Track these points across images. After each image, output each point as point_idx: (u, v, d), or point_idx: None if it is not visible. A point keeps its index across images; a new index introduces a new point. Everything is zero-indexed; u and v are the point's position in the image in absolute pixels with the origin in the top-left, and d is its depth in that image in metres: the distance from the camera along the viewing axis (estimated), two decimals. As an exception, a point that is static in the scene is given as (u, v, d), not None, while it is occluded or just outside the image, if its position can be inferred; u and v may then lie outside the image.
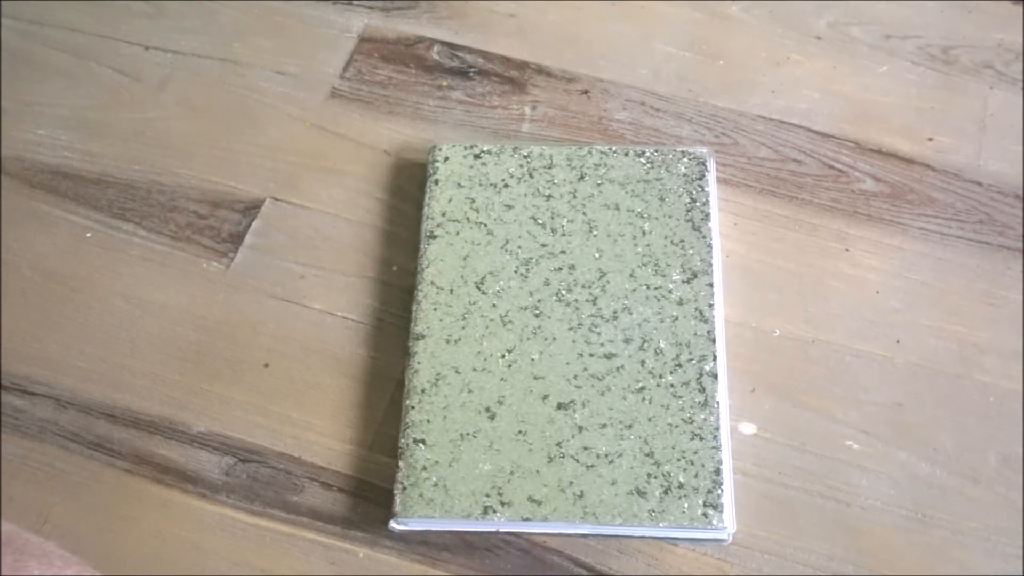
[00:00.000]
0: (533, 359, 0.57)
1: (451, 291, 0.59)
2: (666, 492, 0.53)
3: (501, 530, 0.53)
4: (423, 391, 0.56)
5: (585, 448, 0.54)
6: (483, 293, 0.59)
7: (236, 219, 0.65)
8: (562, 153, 0.64)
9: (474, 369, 0.57)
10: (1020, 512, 0.55)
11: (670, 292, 0.59)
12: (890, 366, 0.59)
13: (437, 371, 0.57)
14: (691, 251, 0.60)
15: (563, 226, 0.61)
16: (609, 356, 0.57)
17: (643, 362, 0.56)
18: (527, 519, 0.52)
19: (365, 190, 0.66)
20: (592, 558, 0.53)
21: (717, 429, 0.54)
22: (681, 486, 0.53)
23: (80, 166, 0.67)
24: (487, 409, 0.55)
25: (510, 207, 0.62)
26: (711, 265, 0.60)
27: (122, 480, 0.56)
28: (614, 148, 0.64)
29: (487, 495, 0.53)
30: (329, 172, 0.66)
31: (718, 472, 0.53)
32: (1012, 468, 0.56)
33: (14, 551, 0.42)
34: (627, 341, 0.57)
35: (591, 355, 0.57)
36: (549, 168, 0.63)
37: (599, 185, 0.63)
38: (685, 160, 0.64)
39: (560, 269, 0.60)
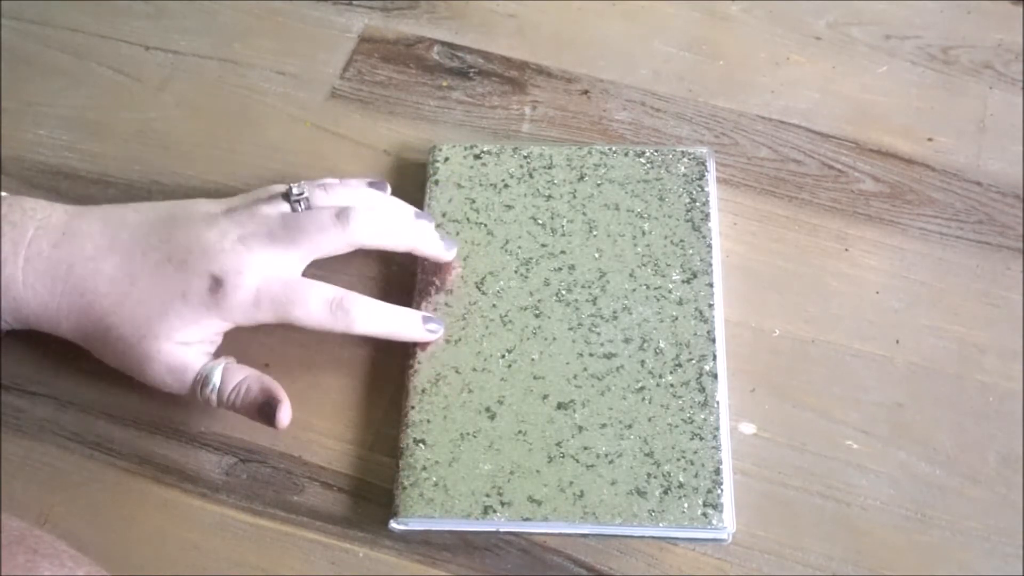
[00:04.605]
0: (533, 359, 0.57)
1: (451, 291, 0.59)
2: (666, 492, 0.53)
3: (501, 530, 0.53)
4: (423, 391, 0.56)
5: (585, 448, 0.54)
6: (483, 293, 0.59)
7: (236, 219, 0.64)
8: (562, 153, 0.64)
9: (474, 369, 0.57)
10: (1020, 512, 0.55)
11: (670, 292, 0.59)
12: (890, 366, 0.59)
13: (437, 371, 0.57)
14: (691, 251, 0.60)
15: (563, 226, 0.61)
16: (609, 356, 0.57)
17: (643, 362, 0.56)
18: (527, 519, 0.52)
19: (365, 190, 0.66)
20: (592, 558, 0.53)
21: (717, 429, 0.54)
22: (681, 486, 0.53)
23: (80, 166, 0.67)
24: (487, 409, 0.55)
25: (510, 207, 0.62)
26: (711, 265, 0.60)
27: (122, 480, 0.56)
28: (614, 148, 0.64)
29: (487, 495, 0.53)
30: (329, 172, 0.66)
31: (718, 472, 0.53)
32: (1012, 468, 0.56)
33: (26, 550, 0.41)
34: (627, 341, 0.57)
35: (591, 355, 0.57)
36: (549, 168, 0.63)
37: (599, 185, 0.63)
38: (685, 160, 0.64)
39: (560, 269, 0.60)
